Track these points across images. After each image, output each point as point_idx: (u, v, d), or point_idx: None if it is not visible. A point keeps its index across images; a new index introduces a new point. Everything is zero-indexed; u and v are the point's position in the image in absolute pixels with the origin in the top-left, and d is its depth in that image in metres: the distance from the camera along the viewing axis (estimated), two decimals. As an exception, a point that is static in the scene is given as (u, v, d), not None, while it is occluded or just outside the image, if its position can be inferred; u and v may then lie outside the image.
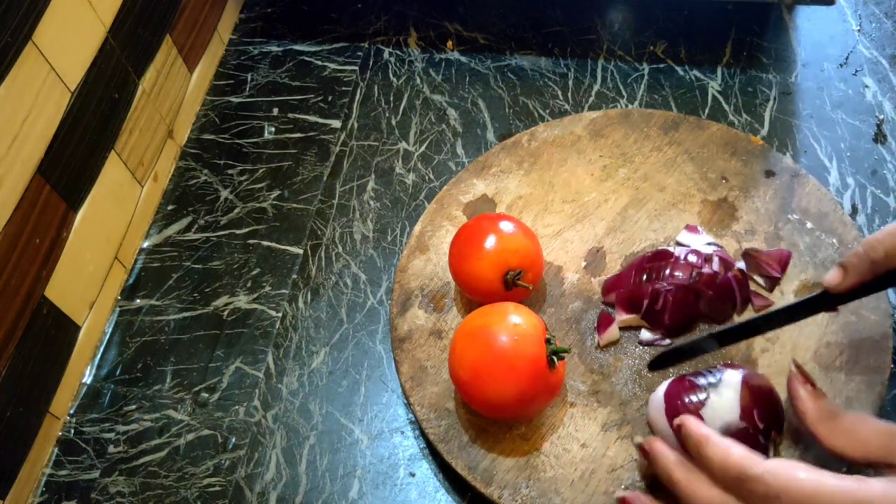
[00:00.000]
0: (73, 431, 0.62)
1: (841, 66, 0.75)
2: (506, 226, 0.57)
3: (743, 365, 0.55)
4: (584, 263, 0.62)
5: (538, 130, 0.70)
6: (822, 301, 0.51)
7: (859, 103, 0.72)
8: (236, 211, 0.72)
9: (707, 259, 0.58)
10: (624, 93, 0.75)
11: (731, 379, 0.51)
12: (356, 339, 0.64)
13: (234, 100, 0.79)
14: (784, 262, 0.60)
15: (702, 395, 0.51)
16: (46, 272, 0.59)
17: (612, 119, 0.70)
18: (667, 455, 0.47)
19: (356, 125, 0.76)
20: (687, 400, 0.51)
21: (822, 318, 0.58)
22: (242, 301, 0.67)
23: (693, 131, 0.68)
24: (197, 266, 0.69)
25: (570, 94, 0.76)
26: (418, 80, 0.78)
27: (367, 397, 0.61)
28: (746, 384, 0.50)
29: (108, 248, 0.66)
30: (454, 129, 0.75)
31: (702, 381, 0.52)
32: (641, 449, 0.50)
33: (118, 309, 0.67)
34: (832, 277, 0.49)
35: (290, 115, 0.77)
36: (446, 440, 0.55)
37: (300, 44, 0.82)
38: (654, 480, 0.52)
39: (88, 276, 0.64)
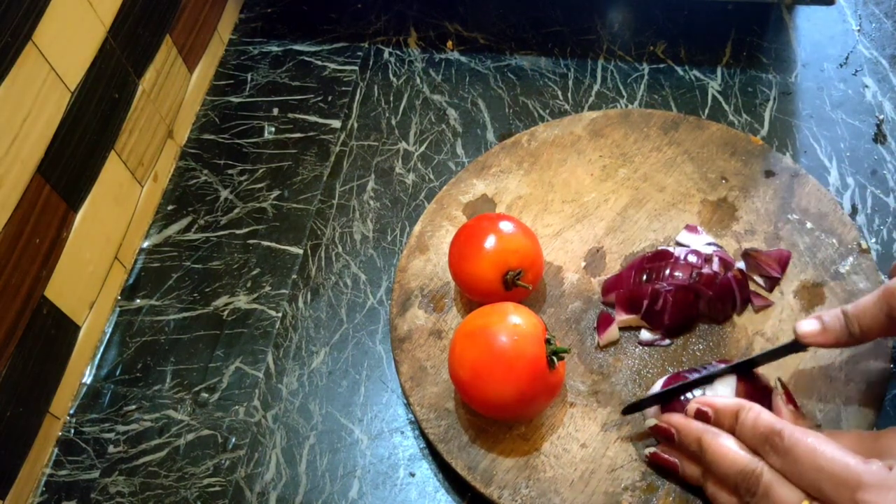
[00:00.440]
0: (73, 431, 0.62)
1: (841, 66, 0.75)
2: (506, 226, 0.57)
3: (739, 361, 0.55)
4: (583, 263, 0.63)
5: (538, 130, 0.70)
6: (793, 347, 0.51)
7: (859, 103, 0.72)
8: (236, 211, 0.72)
9: (707, 259, 0.58)
10: (624, 93, 0.75)
11: (727, 376, 0.52)
12: (356, 339, 0.64)
13: (234, 100, 0.79)
14: (784, 263, 0.60)
15: (697, 393, 0.51)
16: (46, 272, 0.59)
17: (612, 119, 0.70)
18: (692, 423, 0.49)
19: (356, 125, 0.76)
20: (683, 398, 0.52)
21: (821, 318, 0.58)
22: (242, 301, 0.67)
23: (693, 131, 0.68)
24: (197, 266, 0.69)
25: (570, 94, 0.76)
26: (418, 80, 0.78)
27: (367, 397, 0.61)
28: (742, 381, 0.51)
29: (108, 248, 0.66)
30: (454, 129, 0.75)
31: (696, 377, 0.53)
32: (658, 429, 0.51)
33: (118, 309, 0.67)
34: (808, 330, 0.50)
35: (290, 115, 0.77)
36: (446, 440, 0.55)
37: (300, 44, 0.82)
38: (654, 481, 0.53)
39: (88, 276, 0.64)
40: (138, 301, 0.68)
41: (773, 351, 0.52)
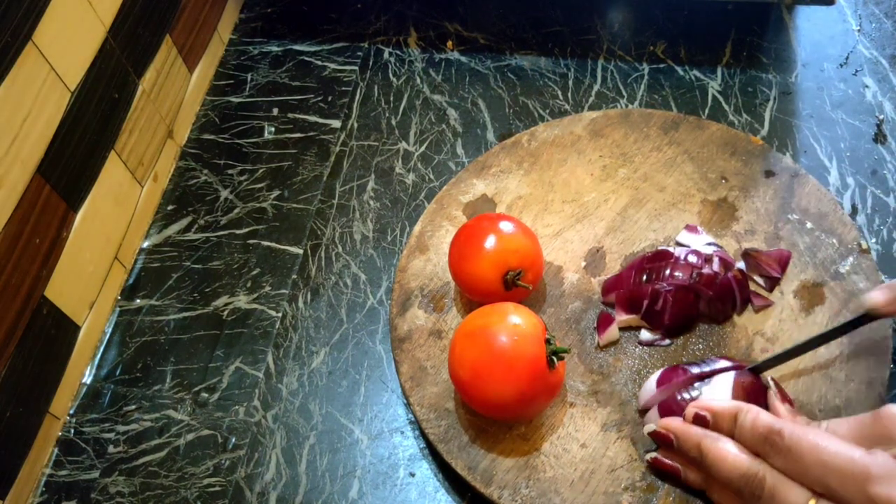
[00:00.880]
0: (73, 431, 0.62)
1: (841, 66, 0.75)
2: (506, 226, 0.57)
3: (739, 359, 0.55)
4: (583, 263, 0.63)
5: (538, 130, 0.70)
6: (857, 322, 0.50)
7: (859, 103, 0.72)
8: (236, 211, 0.72)
9: (707, 259, 0.58)
10: (624, 93, 0.75)
11: (724, 376, 0.52)
12: (356, 339, 0.64)
13: (234, 100, 0.79)
14: (784, 263, 0.60)
15: (694, 392, 0.51)
16: (46, 272, 0.59)
17: (612, 119, 0.70)
18: (691, 429, 0.49)
19: (356, 125, 0.76)
20: (679, 397, 0.52)
21: (821, 318, 0.58)
22: (242, 301, 0.67)
23: (693, 131, 0.68)
24: (197, 266, 0.69)
25: (570, 94, 0.76)
26: (418, 80, 0.78)
27: (367, 397, 0.61)
28: (738, 381, 0.51)
29: (108, 248, 0.66)
30: (454, 129, 0.75)
31: (695, 369, 0.53)
32: (657, 435, 0.51)
33: (118, 309, 0.67)
34: (880, 299, 0.49)
35: (290, 115, 0.77)
36: (446, 440, 0.55)
37: (300, 44, 0.82)
38: (654, 481, 0.53)
39: (88, 276, 0.64)
40: (138, 301, 0.68)
41: (837, 329, 0.51)
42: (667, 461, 0.51)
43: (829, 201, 0.63)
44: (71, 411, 0.63)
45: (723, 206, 0.64)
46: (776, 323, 0.58)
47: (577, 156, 0.68)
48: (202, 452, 0.60)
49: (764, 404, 0.51)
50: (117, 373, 0.64)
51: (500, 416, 0.54)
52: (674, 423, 0.50)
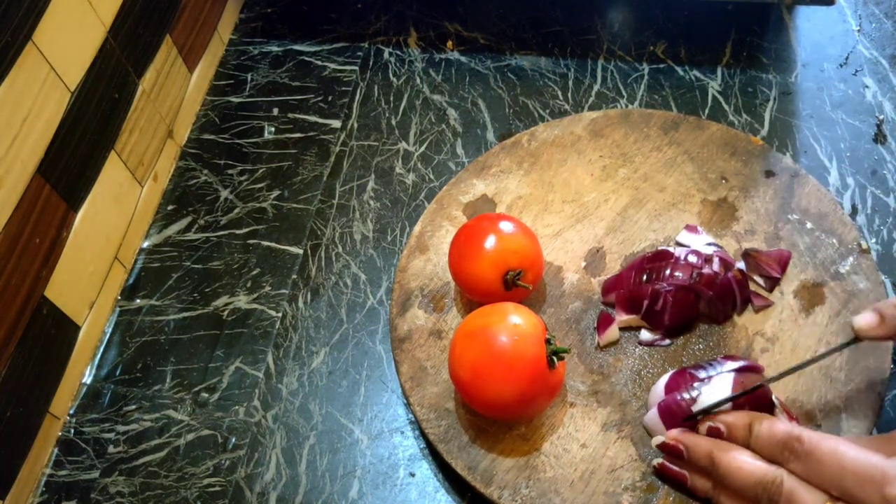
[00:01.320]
0: (73, 431, 0.62)
1: (841, 66, 0.75)
2: (506, 226, 0.57)
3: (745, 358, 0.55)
4: (583, 263, 0.63)
5: (538, 130, 0.70)
6: (849, 343, 0.50)
7: (859, 103, 0.72)
8: (236, 211, 0.72)
9: (707, 259, 0.58)
10: (624, 93, 0.75)
11: (724, 375, 0.52)
12: (356, 339, 0.64)
13: (234, 100, 0.79)
14: (784, 263, 0.60)
15: (694, 392, 0.51)
16: (46, 272, 0.59)
17: (612, 119, 0.70)
18: (702, 440, 0.49)
19: (356, 125, 0.76)
20: (679, 397, 0.52)
21: (821, 318, 0.58)
22: (242, 301, 0.67)
23: (693, 131, 0.68)
24: (197, 266, 0.69)
25: (570, 94, 0.76)
26: (418, 80, 0.78)
27: (367, 397, 0.61)
28: (738, 382, 0.51)
29: (108, 248, 0.66)
30: (454, 129, 0.75)
31: (702, 373, 0.53)
32: (667, 447, 0.51)
33: (118, 309, 0.67)
34: (867, 322, 0.49)
35: (290, 115, 0.77)
36: (446, 440, 0.55)
37: (300, 44, 0.82)
38: (654, 481, 0.53)
39: (88, 276, 0.64)
40: (138, 301, 0.68)
41: (829, 351, 0.51)
42: (674, 468, 0.51)
43: (829, 201, 0.63)
44: (71, 411, 0.63)
45: (723, 207, 0.64)
46: (776, 323, 0.58)
47: (577, 156, 0.68)
48: (202, 452, 0.60)
49: (764, 401, 0.51)
50: (117, 373, 0.64)
51: (500, 416, 0.54)
52: (683, 435, 0.50)
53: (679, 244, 0.62)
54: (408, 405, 0.59)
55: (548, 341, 0.51)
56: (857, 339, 0.50)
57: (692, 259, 0.58)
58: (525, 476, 0.53)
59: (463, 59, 0.80)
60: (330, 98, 0.78)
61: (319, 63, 0.81)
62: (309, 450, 0.59)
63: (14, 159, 0.54)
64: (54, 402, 0.61)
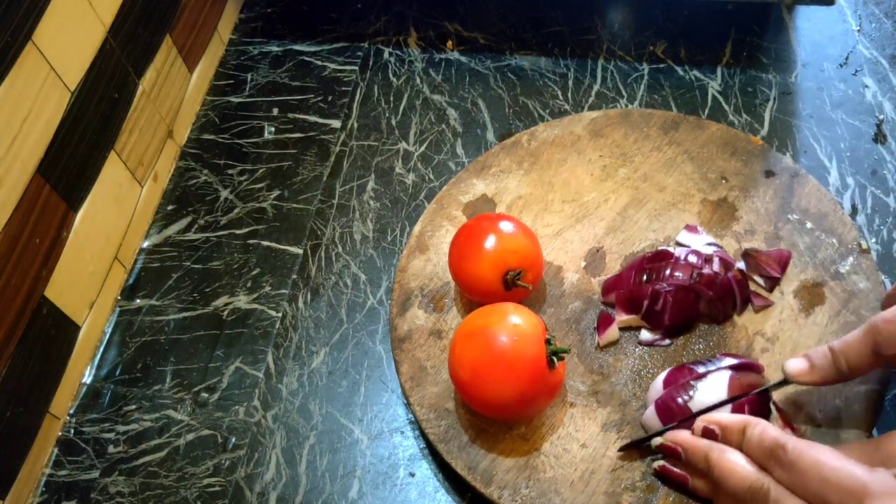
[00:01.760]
0: (73, 431, 0.62)
1: (841, 66, 0.75)
2: (506, 226, 0.57)
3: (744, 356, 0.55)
4: (583, 263, 0.63)
5: (538, 130, 0.70)
6: (784, 383, 0.51)
7: (859, 103, 0.72)
8: (236, 211, 0.72)
9: (707, 259, 0.58)
10: (624, 93, 0.75)
11: (720, 373, 0.52)
12: (356, 339, 0.64)
13: (234, 100, 0.79)
14: (784, 263, 0.60)
15: (691, 392, 0.51)
16: (46, 272, 0.59)
17: (612, 119, 0.70)
18: (699, 442, 0.49)
19: (356, 125, 0.76)
20: (676, 395, 0.52)
21: (821, 318, 0.58)
22: (242, 301, 0.67)
23: (693, 131, 0.68)
24: (197, 266, 0.69)
25: (570, 94, 0.76)
26: (418, 80, 0.78)
27: (367, 397, 0.61)
28: (735, 379, 0.51)
29: (108, 248, 0.66)
30: (454, 129, 0.75)
31: (701, 369, 0.53)
32: (665, 448, 0.51)
33: (118, 309, 0.67)
34: (796, 369, 0.50)
35: (290, 115, 0.77)
36: (446, 440, 0.55)
37: (300, 44, 0.82)
38: (654, 481, 0.53)
39: (88, 276, 0.64)
40: (138, 301, 0.68)
41: (765, 389, 0.52)
42: (675, 469, 0.51)
43: (829, 201, 0.63)
44: (71, 411, 0.63)
45: (723, 206, 0.64)
46: (776, 323, 0.58)
47: (577, 156, 0.68)
48: (202, 452, 0.60)
49: (760, 400, 0.51)
50: (117, 373, 0.64)
51: (500, 416, 0.54)
52: (681, 436, 0.51)
53: (679, 244, 0.62)
54: (408, 405, 0.59)
55: (548, 341, 0.51)
56: (786, 381, 0.51)
57: (692, 259, 0.58)
58: (525, 476, 0.53)
59: (463, 59, 0.80)
60: (330, 98, 0.78)
61: (319, 63, 0.81)
62: (309, 450, 0.59)
63: (14, 159, 0.54)
64: (54, 402, 0.61)
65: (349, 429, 0.60)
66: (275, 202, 0.72)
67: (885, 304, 0.56)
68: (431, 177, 0.72)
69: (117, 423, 0.62)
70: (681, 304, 0.57)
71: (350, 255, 0.68)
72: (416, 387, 0.58)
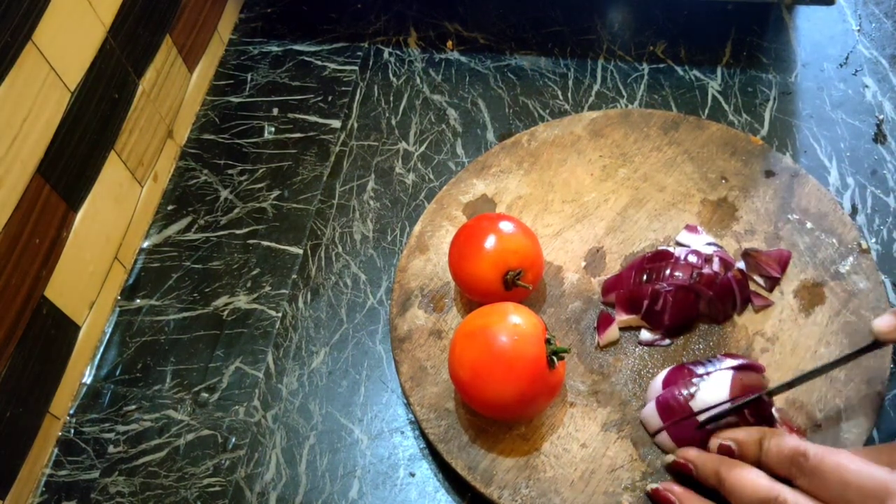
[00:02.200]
0: (73, 431, 0.62)
1: (841, 66, 0.75)
2: (506, 226, 0.57)
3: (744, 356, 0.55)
4: (583, 263, 0.63)
5: (538, 130, 0.70)
6: (870, 347, 0.50)
7: (859, 103, 0.72)
8: (236, 211, 0.72)
9: (707, 259, 0.58)
10: (624, 93, 0.75)
11: (722, 372, 0.52)
12: (356, 339, 0.64)
13: (234, 100, 0.79)
14: (784, 263, 0.60)
15: (692, 388, 0.51)
16: (46, 272, 0.59)
17: (612, 119, 0.70)
18: (710, 458, 0.49)
19: (356, 125, 0.76)
20: (677, 392, 0.52)
21: (821, 318, 0.58)
22: (242, 301, 0.67)
23: (693, 131, 0.68)
24: (197, 266, 0.69)
25: (570, 94, 0.76)
26: (418, 80, 0.78)
27: (367, 397, 0.61)
28: (737, 379, 0.51)
29: (108, 248, 0.66)
30: (454, 129, 0.75)
31: (700, 369, 0.53)
32: (677, 465, 0.51)
33: (118, 309, 0.67)
34: (885, 324, 0.48)
35: (290, 115, 0.77)
36: (446, 440, 0.55)
37: (300, 44, 0.82)
38: (654, 482, 0.53)
39: (88, 276, 0.64)
40: (138, 301, 0.68)
41: (849, 355, 0.51)
42: (668, 495, 0.50)
43: (829, 201, 0.63)
44: (71, 411, 0.63)
45: (723, 206, 0.64)
46: (776, 323, 0.58)
47: (577, 156, 0.68)
48: (202, 452, 0.60)
49: (762, 402, 0.51)
50: (117, 373, 0.64)
51: (500, 416, 0.54)
52: (691, 453, 0.51)
53: (679, 244, 0.62)
54: (408, 405, 0.59)
55: (548, 341, 0.51)
56: (876, 343, 0.49)
57: (692, 259, 0.58)
58: (525, 476, 0.53)
59: (463, 59, 0.80)
60: (330, 98, 0.78)
61: (319, 63, 0.81)
62: (309, 450, 0.59)
63: (14, 159, 0.54)
64: (54, 402, 0.61)
65: (349, 429, 0.60)
66: (275, 202, 0.72)
67: None
68: (431, 177, 0.72)
69: (117, 423, 0.62)
70: (681, 304, 0.57)
71: (350, 255, 0.68)
72: (416, 387, 0.58)
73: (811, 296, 0.59)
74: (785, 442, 0.46)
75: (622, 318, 0.59)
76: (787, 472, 0.45)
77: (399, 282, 0.63)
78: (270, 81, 0.80)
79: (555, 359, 0.51)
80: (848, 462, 0.43)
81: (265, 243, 0.70)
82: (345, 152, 0.75)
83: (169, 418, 0.62)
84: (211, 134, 0.77)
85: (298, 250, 0.69)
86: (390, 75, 0.79)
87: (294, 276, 0.68)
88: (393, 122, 0.76)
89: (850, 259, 0.60)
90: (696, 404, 0.51)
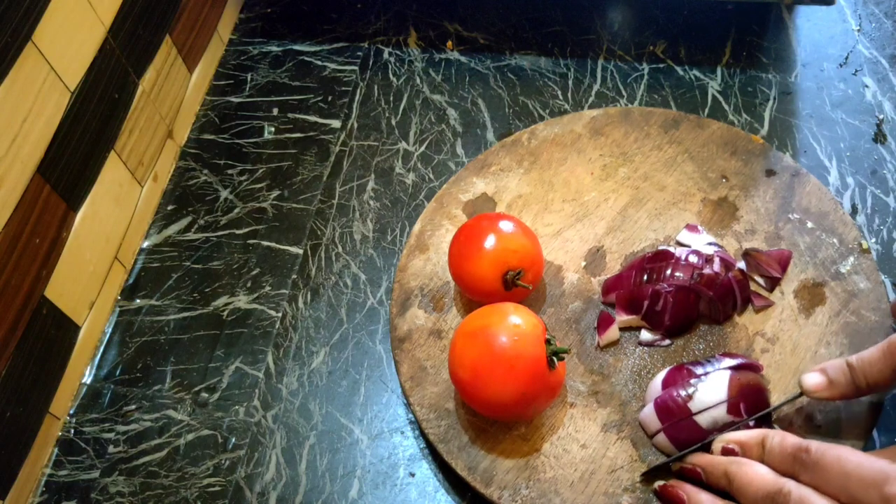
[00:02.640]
0: (73, 431, 0.62)
1: (841, 66, 0.75)
2: (506, 225, 0.57)
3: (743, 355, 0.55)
4: (584, 263, 0.62)
5: (538, 129, 0.70)
6: (799, 396, 0.51)
7: (859, 103, 0.72)
8: (236, 211, 0.72)
9: (708, 259, 0.58)
10: (624, 93, 0.75)
11: (720, 372, 0.52)
12: (356, 339, 0.64)
13: (234, 100, 0.79)
14: (784, 262, 0.60)
15: (690, 389, 0.51)
16: (46, 272, 0.59)
17: (613, 118, 0.70)
18: (718, 460, 0.50)
19: (356, 125, 0.76)
20: (675, 394, 0.52)
21: (822, 318, 0.58)
22: (242, 301, 0.67)
23: (693, 130, 0.68)
24: (197, 266, 0.69)
25: (569, 94, 0.76)
26: (418, 80, 0.78)
27: (367, 397, 0.61)
28: (735, 379, 0.51)
29: (108, 248, 0.66)
30: (454, 129, 0.75)
31: (699, 370, 0.53)
32: (685, 471, 0.51)
33: (118, 309, 0.67)
34: (814, 384, 0.50)
35: (290, 115, 0.77)
36: (446, 440, 0.55)
37: (300, 44, 0.82)
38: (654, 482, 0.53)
39: (88, 276, 0.64)
40: (138, 301, 0.68)
41: (780, 405, 0.53)
42: (676, 490, 0.51)
43: (829, 201, 0.63)
44: (71, 411, 0.63)
45: (723, 206, 0.64)
46: (777, 323, 0.58)
47: (578, 155, 0.68)
48: (202, 452, 0.60)
49: (760, 400, 0.51)
50: (117, 373, 0.64)
51: (500, 417, 0.54)
52: (699, 458, 0.51)
53: (679, 244, 0.62)
54: (408, 405, 0.59)
55: (548, 341, 0.51)
56: (800, 394, 0.51)
57: (693, 259, 0.58)
58: (525, 476, 0.53)
59: (463, 58, 0.80)
60: (330, 98, 0.78)
61: (319, 63, 0.81)
62: (309, 450, 0.59)
63: (14, 159, 0.54)
64: (54, 402, 0.61)
65: (349, 429, 0.60)
66: (275, 202, 0.72)
67: (894, 310, 0.56)
68: (431, 177, 0.72)
69: (117, 423, 0.62)
70: (681, 305, 0.57)
71: (350, 255, 0.68)
72: (416, 387, 0.58)
73: (811, 296, 0.59)
74: (787, 440, 0.47)
75: (622, 318, 0.59)
76: (790, 469, 0.46)
77: (399, 281, 0.63)
78: (270, 81, 0.80)
79: (555, 359, 0.51)
80: (849, 455, 0.44)
81: (265, 243, 0.70)
82: (345, 152, 0.74)
83: (169, 418, 0.62)
84: (211, 134, 0.77)
85: (298, 250, 0.69)
86: (390, 75, 0.79)
87: (294, 276, 0.68)
88: (393, 121, 0.76)
89: (851, 259, 0.60)
90: (694, 405, 0.51)
